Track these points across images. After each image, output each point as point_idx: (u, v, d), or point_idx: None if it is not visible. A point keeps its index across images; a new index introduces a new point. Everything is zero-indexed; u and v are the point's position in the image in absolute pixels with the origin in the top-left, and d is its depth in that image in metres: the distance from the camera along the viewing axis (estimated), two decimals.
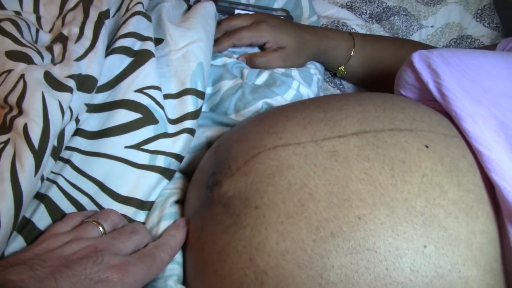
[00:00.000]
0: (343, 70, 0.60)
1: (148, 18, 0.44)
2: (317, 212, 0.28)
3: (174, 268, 0.34)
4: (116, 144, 0.37)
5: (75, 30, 0.38)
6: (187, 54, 0.43)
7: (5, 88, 0.33)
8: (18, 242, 0.31)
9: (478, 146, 0.31)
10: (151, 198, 0.38)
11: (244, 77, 0.53)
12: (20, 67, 0.33)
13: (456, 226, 0.28)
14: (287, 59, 0.55)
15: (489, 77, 0.35)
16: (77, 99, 0.35)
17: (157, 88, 0.40)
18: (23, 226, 0.32)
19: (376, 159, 0.30)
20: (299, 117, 0.34)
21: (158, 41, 0.45)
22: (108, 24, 0.41)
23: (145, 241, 0.33)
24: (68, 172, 0.36)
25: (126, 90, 0.39)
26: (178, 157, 0.40)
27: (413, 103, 0.35)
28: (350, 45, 0.58)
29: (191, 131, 0.41)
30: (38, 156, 0.30)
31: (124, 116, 0.38)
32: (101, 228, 0.32)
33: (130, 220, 0.37)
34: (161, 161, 0.39)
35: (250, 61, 0.54)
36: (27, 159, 0.30)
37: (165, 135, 0.40)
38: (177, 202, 0.39)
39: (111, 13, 0.43)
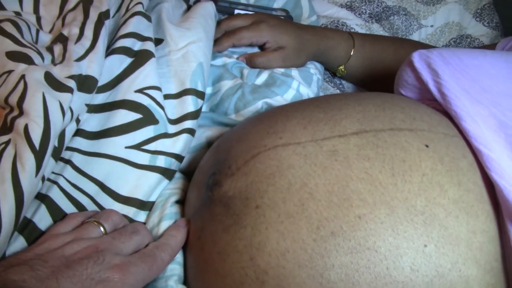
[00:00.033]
0: (342, 69, 0.60)
1: (148, 19, 0.44)
2: (317, 212, 0.28)
3: (175, 268, 0.34)
4: (116, 145, 0.37)
5: (75, 31, 0.39)
6: (187, 54, 0.43)
7: (5, 88, 0.33)
8: (19, 243, 0.31)
9: (478, 146, 0.31)
10: (152, 198, 0.38)
11: (244, 77, 0.53)
12: (21, 67, 0.33)
13: (456, 225, 0.28)
14: (287, 59, 0.55)
15: (489, 77, 0.35)
16: (78, 100, 0.35)
17: (157, 89, 0.40)
18: (24, 226, 0.32)
19: (376, 158, 0.30)
20: (299, 117, 0.34)
21: (158, 41, 0.45)
22: (108, 24, 0.41)
23: (145, 241, 0.33)
24: (69, 172, 0.36)
25: (126, 91, 0.39)
26: (178, 157, 0.40)
27: (413, 103, 0.36)
28: (350, 45, 0.58)
29: (191, 131, 0.41)
30: (39, 157, 0.30)
31: (124, 116, 0.38)
32: (102, 228, 0.32)
33: (131, 220, 0.37)
34: (161, 161, 0.39)
35: (250, 61, 0.54)
36: (28, 160, 0.30)
37: (165, 135, 0.40)
38: (177, 202, 0.39)
39: (111, 13, 0.43)
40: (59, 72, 0.35)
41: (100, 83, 0.39)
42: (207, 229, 0.32)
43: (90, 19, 0.40)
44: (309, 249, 0.27)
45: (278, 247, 0.28)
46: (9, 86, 0.33)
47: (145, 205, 0.38)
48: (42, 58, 0.36)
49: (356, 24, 0.70)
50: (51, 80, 0.34)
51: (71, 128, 0.36)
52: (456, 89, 0.34)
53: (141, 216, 0.38)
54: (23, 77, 0.33)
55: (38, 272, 0.26)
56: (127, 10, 0.44)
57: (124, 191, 0.37)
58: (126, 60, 0.40)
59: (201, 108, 0.43)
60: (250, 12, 0.59)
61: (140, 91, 0.39)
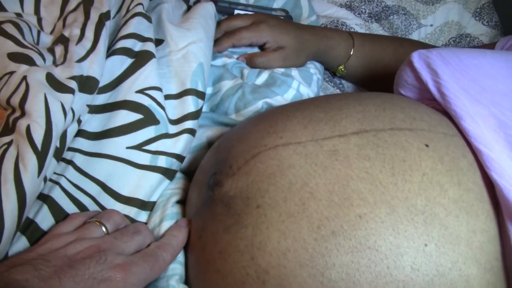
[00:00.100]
0: (342, 69, 0.60)
1: (149, 19, 0.44)
2: (318, 211, 0.28)
3: (176, 268, 0.34)
4: (117, 145, 0.37)
5: (76, 32, 0.39)
6: (187, 55, 0.44)
7: (7, 89, 0.33)
8: (22, 243, 0.31)
9: (477, 145, 0.31)
10: (153, 199, 0.39)
11: (244, 77, 0.53)
12: (22, 68, 0.33)
13: (456, 224, 0.28)
14: (287, 59, 0.55)
15: (489, 77, 0.35)
16: (79, 100, 0.35)
17: (158, 89, 0.40)
18: (26, 226, 0.32)
19: (376, 158, 0.30)
20: (300, 117, 0.34)
21: (158, 42, 0.45)
22: (108, 25, 0.41)
23: (147, 241, 0.33)
24: (71, 173, 0.36)
25: (127, 91, 0.39)
26: (179, 157, 0.40)
27: (413, 103, 0.36)
28: (350, 45, 0.58)
29: (192, 131, 0.41)
30: (41, 157, 0.30)
31: (125, 117, 0.38)
32: (103, 228, 0.32)
33: (132, 220, 0.37)
34: (162, 161, 0.39)
35: (250, 61, 0.55)
36: (30, 160, 0.30)
37: (166, 135, 0.40)
38: (178, 202, 0.39)
39: (112, 14, 0.43)
40: (61, 73, 0.35)
41: (101, 84, 0.39)
42: (208, 229, 0.32)
43: (91, 20, 0.40)
44: (310, 248, 0.27)
45: (279, 247, 0.28)
46: (11, 87, 0.33)
47: (146, 205, 0.38)
48: (44, 59, 0.36)
49: (355, 23, 0.70)
50: (52, 81, 0.34)
51: (72, 129, 0.36)
52: (456, 89, 0.34)
53: (142, 216, 0.38)
54: (24, 78, 0.33)
55: (41, 271, 0.26)
56: (127, 11, 0.44)
57: (125, 191, 0.37)
58: (127, 61, 0.41)
59: (201, 108, 0.43)
60: (250, 12, 0.59)
61: (141, 91, 0.39)
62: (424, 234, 0.27)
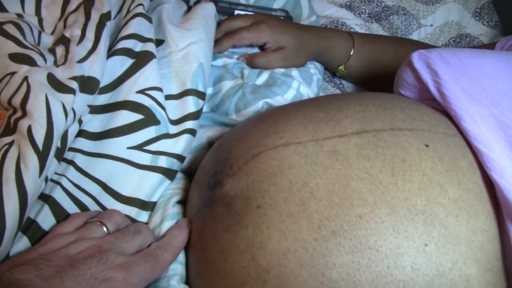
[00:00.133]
0: (342, 69, 0.60)
1: (149, 20, 0.44)
2: (318, 211, 0.28)
3: (177, 268, 0.34)
4: (118, 145, 0.37)
5: (77, 32, 0.39)
6: (187, 55, 0.44)
7: (9, 90, 0.33)
8: (23, 243, 0.31)
9: (477, 145, 0.31)
10: (154, 199, 0.39)
11: (244, 77, 0.53)
12: (24, 69, 0.34)
13: (456, 224, 0.28)
14: (287, 59, 0.55)
15: (488, 77, 0.35)
16: (80, 101, 0.36)
17: (159, 89, 0.40)
18: (27, 226, 0.32)
19: (376, 158, 0.30)
20: (300, 117, 0.34)
21: (159, 42, 0.45)
22: (109, 26, 0.41)
23: (148, 241, 0.33)
24: (72, 173, 0.36)
25: (128, 91, 0.39)
26: (179, 158, 0.40)
27: (413, 103, 0.36)
28: (350, 45, 0.58)
29: (192, 132, 0.42)
30: (42, 157, 0.31)
31: (126, 117, 0.38)
32: (104, 228, 0.32)
33: (133, 221, 0.37)
34: (163, 161, 0.39)
35: (250, 62, 0.55)
36: (31, 160, 0.30)
37: (167, 135, 0.40)
38: (179, 202, 0.39)
39: (112, 15, 0.43)
40: (62, 74, 0.35)
41: (102, 84, 0.39)
42: (209, 229, 0.32)
43: (92, 21, 0.40)
44: (310, 248, 0.27)
45: (279, 247, 0.28)
46: (12, 88, 0.33)
47: (147, 205, 0.38)
48: (45, 59, 0.36)
49: (355, 24, 0.70)
50: (53, 81, 0.34)
51: (73, 129, 0.36)
52: (456, 89, 0.34)
53: (143, 216, 0.38)
54: (26, 78, 0.33)
55: (43, 271, 0.26)
56: (128, 11, 0.44)
57: (126, 192, 0.37)
58: (128, 61, 0.41)
59: (202, 108, 0.43)
60: (250, 13, 0.59)
61: (142, 92, 0.39)
62: (424, 234, 0.27)
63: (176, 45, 0.44)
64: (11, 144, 0.31)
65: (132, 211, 0.37)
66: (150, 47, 0.42)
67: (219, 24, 0.55)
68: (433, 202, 0.28)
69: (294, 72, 0.55)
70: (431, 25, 0.73)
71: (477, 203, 0.29)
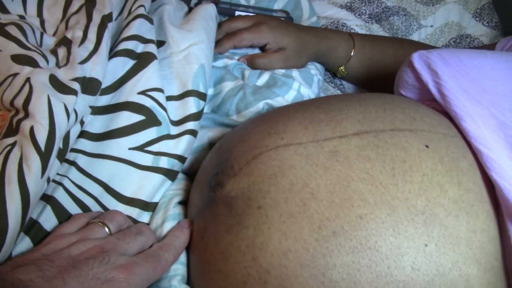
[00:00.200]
0: (343, 70, 0.60)
1: (150, 21, 0.44)
2: (319, 212, 0.28)
3: (178, 268, 0.34)
4: (120, 146, 0.38)
5: (79, 34, 0.39)
6: (188, 56, 0.44)
7: (11, 91, 0.33)
8: (25, 243, 0.32)
9: (478, 146, 0.31)
10: (155, 199, 0.39)
11: (245, 78, 0.53)
12: (26, 70, 0.34)
13: (456, 224, 0.28)
14: (288, 60, 0.55)
15: (489, 77, 0.35)
16: (82, 102, 0.36)
17: (160, 90, 0.40)
18: (30, 227, 0.32)
19: (377, 159, 0.30)
20: (300, 118, 0.34)
21: (160, 43, 0.45)
22: (111, 27, 0.41)
23: (150, 242, 0.34)
24: (74, 173, 0.36)
25: (130, 92, 0.39)
26: (181, 158, 0.41)
27: (413, 104, 0.36)
28: (350, 46, 0.58)
29: (193, 132, 0.42)
30: (44, 158, 0.31)
31: (127, 118, 0.38)
32: (106, 229, 0.32)
33: (135, 221, 0.37)
34: (164, 162, 0.39)
35: (251, 62, 0.55)
36: (33, 161, 0.30)
37: (168, 136, 0.40)
38: (180, 203, 0.39)
39: (114, 16, 0.43)
40: (64, 75, 0.35)
41: (103, 85, 0.39)
42: (210, 230, 0.32)
43: (93, 22, 0.40)
44: (311, 248, 0.27)
45: (280, 247, 0.28)
46: (14, 89, 0.33)
47: (149, 206, 0.38)
48: (47, 61, 0.36)
49: (356, 24, 0.70)
50: (55, 82, 0.34)
51: (75, 130, 0.36)
52: (456, 90, 0.34)
53: (144, 217, 0.38)
54: (28, 80, 0.33)
55: (45, 272, 0.26)
56: (129, 13, 0.44)
57: (128, 192, 0.37)
58: (129, 63, 0.41)
59: (203, 109, 0.43)
60: (250, 14, 0.59)
61: (143, 93, 0.40)
62: (425, 234, 0.27)
63: (177, 46, 0.44)
64: (13, 145, 0.31)
65: (133, 212, 0.37)
66: (151, 48, 0.42)
67: (220, 25, 0.55)
68: (433, 203, 0.28)
69: (295, 73, 0.55)
70: (431, 26, 0.73)
71: (477, 203, 0.29)
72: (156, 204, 0.39)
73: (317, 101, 0.37)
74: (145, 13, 0.44)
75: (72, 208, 0.35)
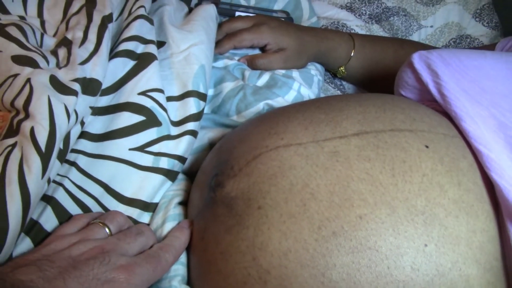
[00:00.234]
0: (343, 70, 0.61)
1: (151, 22, 0.44)
2: (319, 212, 0.28)
3: (179, 269, 0.34)
4: (120, 147, 0.38)
5: (79, 34, 0.39)
6: (189, 57, 0.44)
7: (11, 92, 0.33)
8: (26, 244, 0.32)
9: (477, 146, 0.31)
10: (155, 200, 0.39)
11: (245, 78, 0.53)
12: (26, 71, 0.34)
13: (456, 225, 0.28)
14: (288, 60, 0.55)
15: (489, 78, 0.35)
16: (82, 102, 0.36)
17: (160, 91, 0.41)
18: (30, 227, 0.32)
19: (376, 159, 0.30)
20: (300, 118, 0.34)
21: (160, 44, 0.45)
22: (111, 28, 0.41)
23: (150, 243, 0.34)
24: (74, 174, 0.36)
25: (130, 93, 0.39)
26: (181, 159, 0.41)
27: (413, 104, 0.36)
28: (350, 46, 0.58)
29: (193, 133, 0.42)
30: (45, 159, 0.31)
31: (128, 118, 0.38)
32: (107, 230, 0.32)
33: (135, 222, 0.37)
34: (164, 163, 0.39)
35: (251, 63, 0.55)
36: (34, 162, 0.30)
37: (168, 137, 0.40)
38: (180, 203, 0.39)
39: (114, 17, 0.43)
40: (64, 76, 0.35)
41: (104, 86, 0.39)
42: (210, 230, 0.32)
43: (94, 23, 0.40)
44: (311, 249, 0.27)
45: (280, 247, 0.28)
46: (15, 90, 0.33)
47: (149, 207, 0.38)
48: (47, 61, 0.36)
49: (356, 25, 0.70)
50: (56, 83, 0.34)
51: (76, 131, 0.36)
52: (456, 90, 0.34)
53: (145, 217, 0.38)
54: (28, 80, 0.33)
55: (46, 272, 0.26)
56: (129, 13, 0.44)
57: (128, 193, 0.37)
58: (129, 63, 0.41)
59: (203, 110, 0.43)
60: (251, 14, 0.59)
61: (143, 93, 0.40)
62: (424, 234, 0.27)
63: (178, 46, 0.44)
64: (14, 145, 0.31)
65: (134, 213, 0.37)
66: (152, 49, 0.42)
67: (220, 25, 0.55)
68: (433, 203, 0.28)
69: (295, 73, 0.55)
70: (431, 26, 0.73)
71: (477, 203, 0.29)
72: (156, 204, 0.39)
73: (317, 102, 0.37)
74: (145, 13, 0.44)
75: (72, 208, 0.35)
